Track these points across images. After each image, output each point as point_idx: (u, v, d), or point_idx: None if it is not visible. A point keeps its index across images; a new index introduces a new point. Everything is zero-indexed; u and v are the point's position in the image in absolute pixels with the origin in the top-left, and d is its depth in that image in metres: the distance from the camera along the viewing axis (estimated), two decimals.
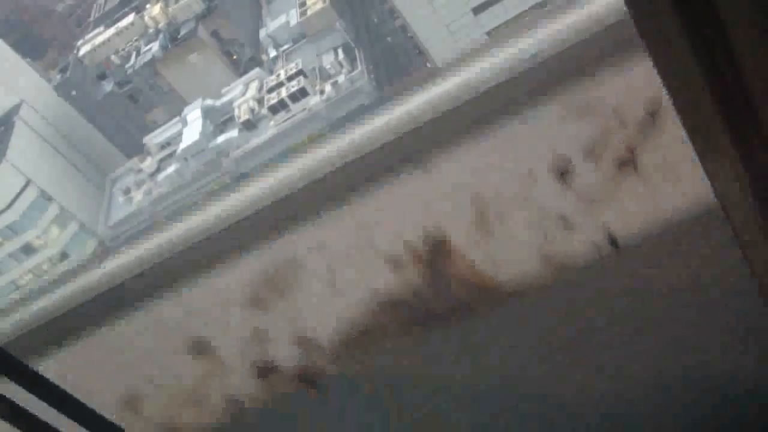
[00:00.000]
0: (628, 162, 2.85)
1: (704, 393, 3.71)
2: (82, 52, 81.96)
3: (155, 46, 76.79)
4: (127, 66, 78.06)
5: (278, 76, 64.30)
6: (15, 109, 71.10)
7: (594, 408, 3.58)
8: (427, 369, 3.29)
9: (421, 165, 2.84)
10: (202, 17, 78.02)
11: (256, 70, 68.39)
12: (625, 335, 3.36)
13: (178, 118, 68.34)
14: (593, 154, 2.78)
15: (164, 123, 71.96)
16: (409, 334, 3.19)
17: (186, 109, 67.71)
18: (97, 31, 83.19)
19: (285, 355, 3.31)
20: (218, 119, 65.87)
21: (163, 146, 67.71)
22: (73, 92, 79.20)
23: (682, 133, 2.21)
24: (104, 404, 3.07)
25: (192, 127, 64.82)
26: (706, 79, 2.01)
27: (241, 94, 65.76)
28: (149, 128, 75.56)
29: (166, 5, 78.16)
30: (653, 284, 3.19)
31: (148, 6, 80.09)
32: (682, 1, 1.86)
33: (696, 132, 2.15)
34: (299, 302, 3.14)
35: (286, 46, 68.02)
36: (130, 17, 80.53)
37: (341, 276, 3.09)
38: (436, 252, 3.00)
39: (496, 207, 2.90)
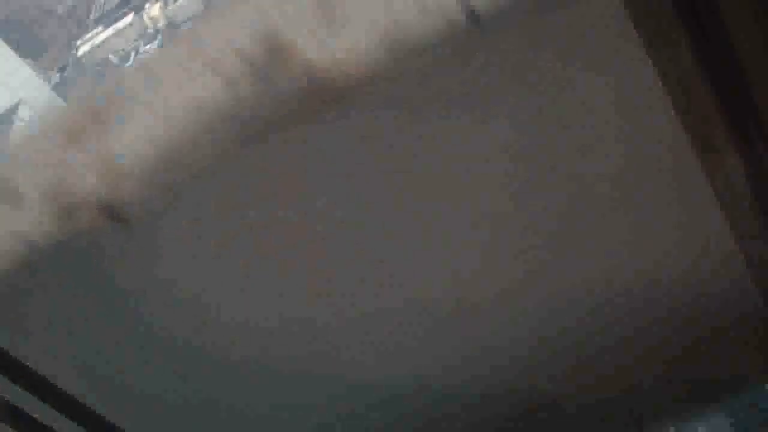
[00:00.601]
0: None
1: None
2: (80, 52, 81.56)
3: (154, 46, 76.49)
4: (125, 66, 77.70)
5: None
6: (13, 109, 71.03)
7: (444, 226, 3.18)
8: (257, 188, 2.89)
9: None
10: (200, 17, 77.69)
11: None
12: (486, 128, 2.82)
13: None
14: None
15: None
16: (238, 150, 2.74)
17: None
18: (95, 30, 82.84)
19: (89, 188, 2.88)
20: None
21: None
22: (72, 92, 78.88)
23: None
24: None
25: None
26: (706, 76, 1.99)
27: None
28: None
29: (165, 5, 77.89)
30: (521, 68, 2.61)
31: (147, 6, 79.81)
32: (687, 11, 1.85)
33: (695, 131, 2.14)
34: (113, 131, 2.73)
35: None
36: (129, 17, 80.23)
37: (164, 95, 2.64)
38: (271, 53, 2.60)
39: None
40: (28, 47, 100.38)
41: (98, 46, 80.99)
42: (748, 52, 1.95)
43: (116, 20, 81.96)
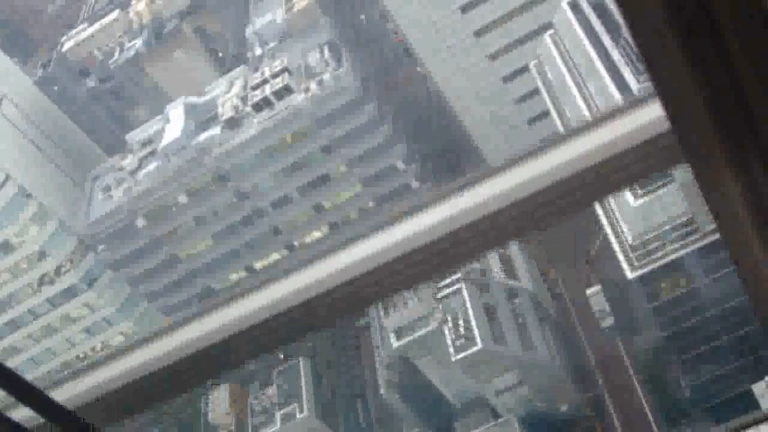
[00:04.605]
0: None
1: None
2: (65, 47, 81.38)
3: (139, 42, 76.37)
4: (110, 62, 77.58)
5: (263, 73, 64.03)
6: None
7: None
8: None
9: None
10: (187, 13, 77.69)
11: (241, 68, 68.12)
12: None
13: (160, 116, 67.95)
14: None
15: (147, 120, 71.58)
16: None
17: (168, 106, 67.31)
18: (81, 27, 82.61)
19: None
20: (201, 117, 65.56)
21: (144, 143, 67.26)
22: (55, 87, 78.58)
23: None
24: None
25: (174, 124, 64.44)
26: (706, 99, 1.85)
27: (225, 92, 65.44)
28: (132, 125, 75.14)
29: (151, 1, 77.77)
30: None
31: (133, 2, 79.64)
32: (686, 27, 1.72)
33: (694, 153, 2.00)
34: None
35: (271, 44, 67.81)
36: (115, 13, 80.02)
37: None
38: None
39: None
40: (19, 47, 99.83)
41: (83, 41, 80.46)
42: (749, 74, 1.83)
43: (102, 16, 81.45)
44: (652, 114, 3.02)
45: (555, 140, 3.16)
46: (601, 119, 3.13)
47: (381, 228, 3.45)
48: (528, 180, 3.16)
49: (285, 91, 61.99)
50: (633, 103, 3.11)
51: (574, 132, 3.17)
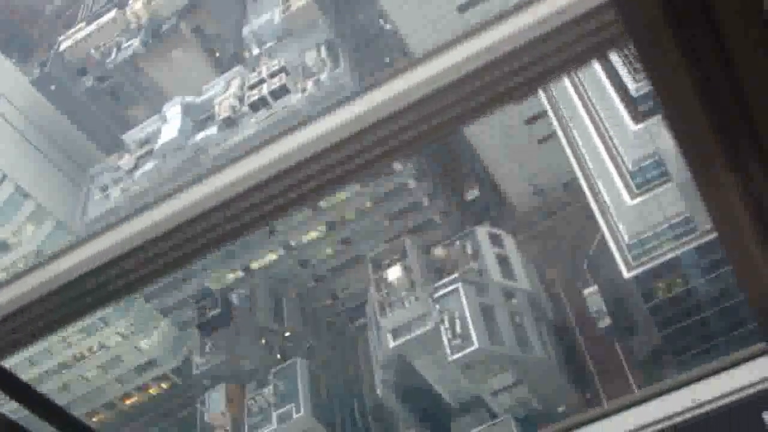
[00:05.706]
0: None
1: None
2: (63, 47, 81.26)
3: (136, 42, 76.26)
4: (107, 61, 77.44)
5: (260, 73, 63.96)
6: None
7: None
8: None
9: None
10: (185, 13, 77.57)
11: (238, 67, 68.04)
12: None
13: (158, 115, 67.85)
14: None
15: (144, 119, 71.48)
16: None
17: (166, 106, 67.22)
18: (79, 26, 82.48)
19: None
20: (198, 116, 65.46)
21: (141, 143, 67.16)
22: (53, 87, 78.44)
23: None
24: None
25: (171, 124, 64.35)
26: (706, 108, 1.84)
27: (222, 91, 65.36)
28: (129, 124, 75.01)
29: (149, 1, 77.65)
30: None
31: (131, 1, 79.50)
32: (685, 33, 1.70)
33: (695, 161, 1.99)
34: None
35: (269, 43, 67.74)
36: (112, 13, 79.89)
37: None
38: None
39: None
40: (17, 47, 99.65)
41: (80, 41, 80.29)
42: (751, 82, 1.82)
43: (100, 16, 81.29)
44: None
45: (491, 19, 2.99)
46: None
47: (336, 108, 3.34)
48: (462, 61, 3.02)
49: (282, 91, 61.94)
50: None
51: (511, 10, 2.98)
